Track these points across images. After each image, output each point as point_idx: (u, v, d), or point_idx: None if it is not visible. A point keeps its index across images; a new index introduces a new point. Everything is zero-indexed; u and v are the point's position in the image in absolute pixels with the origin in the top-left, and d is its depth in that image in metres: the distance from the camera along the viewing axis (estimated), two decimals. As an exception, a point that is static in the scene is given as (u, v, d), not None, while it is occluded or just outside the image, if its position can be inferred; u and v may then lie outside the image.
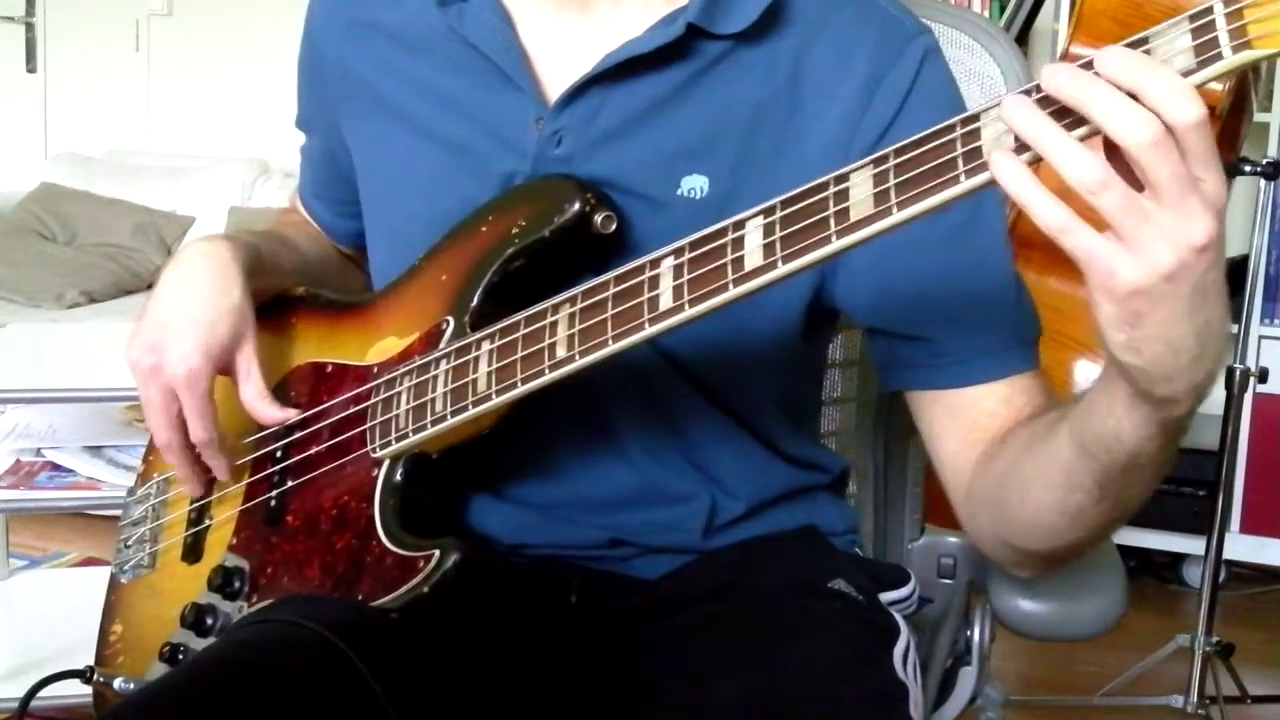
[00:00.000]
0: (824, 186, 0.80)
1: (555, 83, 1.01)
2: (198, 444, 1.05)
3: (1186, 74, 0.69)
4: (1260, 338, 2.83)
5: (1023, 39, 2.77)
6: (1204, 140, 0.69)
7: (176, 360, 1.03)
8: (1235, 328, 2.39)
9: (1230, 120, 2.25)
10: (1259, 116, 2.76)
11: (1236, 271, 2.46)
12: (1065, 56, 2.33)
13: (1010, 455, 0.92)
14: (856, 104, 0.98)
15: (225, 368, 1.05)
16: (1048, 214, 0.71)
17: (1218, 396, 2.39)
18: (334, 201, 1.22)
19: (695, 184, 0.99)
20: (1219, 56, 0.68)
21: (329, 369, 1.08)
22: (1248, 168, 2.12)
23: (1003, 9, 2.85)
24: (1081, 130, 0.71)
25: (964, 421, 0.98)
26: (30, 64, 4.49)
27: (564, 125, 1.00)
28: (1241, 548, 2.93)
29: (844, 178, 0.79)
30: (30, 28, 4.47)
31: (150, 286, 1.08)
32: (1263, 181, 2.30)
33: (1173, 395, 0.77)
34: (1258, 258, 2.43)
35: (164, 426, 1.04)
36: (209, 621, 1.05)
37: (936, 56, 1.01)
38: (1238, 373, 2.32)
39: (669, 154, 0.99)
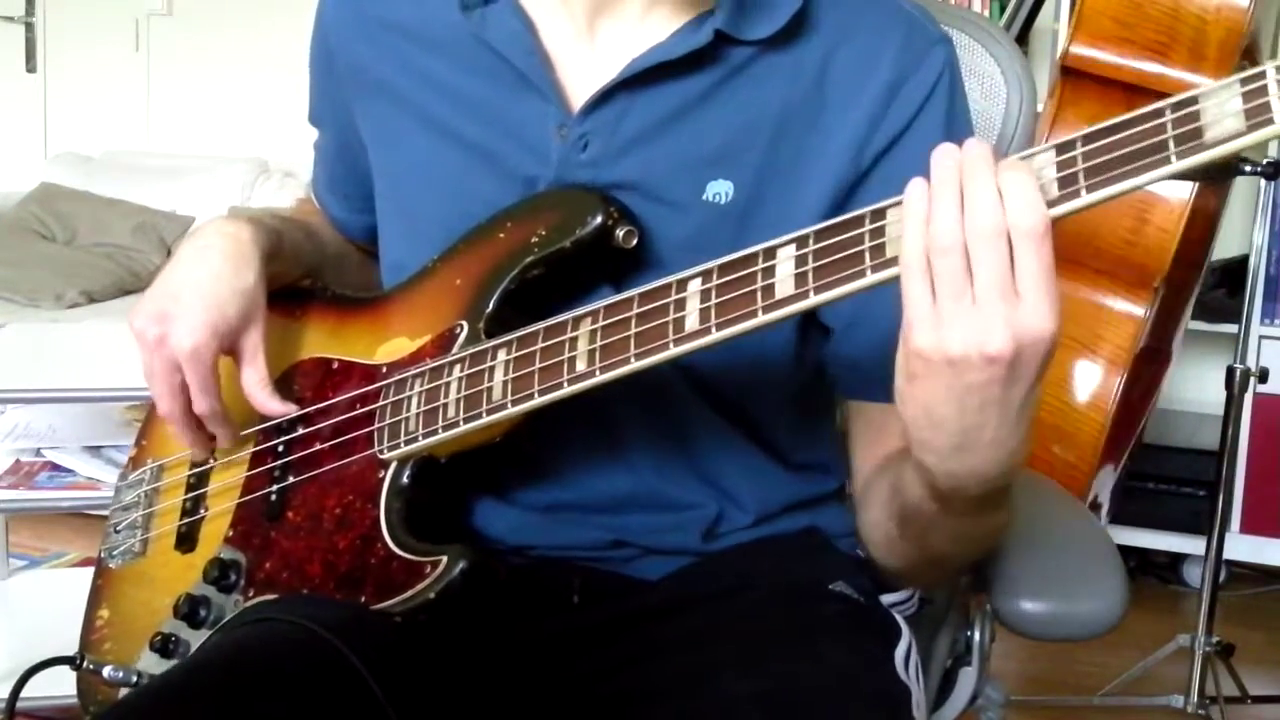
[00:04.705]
0: (860, 221, 0.81)
1: (577, 89, 1.01)
2: (201, 415, 1.05)
3: (1235, 137, 0.70)
4: (1260, 338, 2.83)
5: (1023, 39, 2.76)
6: (1035, 257, 0.74)
7: (182, 335, 1.02)
8: (1235, 328, 2.39)
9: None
10: (1259, 116, 2.76)
11: (1236, 271, 2.46)
12: (1065, 56, 2.33)
13: (882, 474, 0.99)
14: (876, 109, 0.99)
15: (231, 348, 1.05)
16: (911, 244, 0.77)
17: (1218, 396, 2.39)
18: (347, 197, 1.21)
19: (719, 189, 0.99)
20: (1269, 121, 0.69)
21: (335, 365, 1.08)
22: (1248, 168, 2.12)
23: (1003, 9, 2.85)
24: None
25: (873, 436, 1.03)
26: (30, 64, 4.48)
27: (589, 130, 1.00)
28: (1241, 548, 2.93)
29: (881, 214, 0.80)
30: (30, 28, 4.46)
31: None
32: (1263, 181, 2.30)
33: (928, 464, 0.84)
34: (1258, 258, 2.43)
35: (166, 396, 1.04)
36: (202, 613, 1.05)
37: (954, 68, 1.02)
38: (1238, 373, 2.32)
39: (694, 159, 0.99)
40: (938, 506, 0.89)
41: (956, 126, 1.01)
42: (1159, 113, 0.72)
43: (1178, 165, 0.71)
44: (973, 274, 0.75)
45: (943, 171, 0.76)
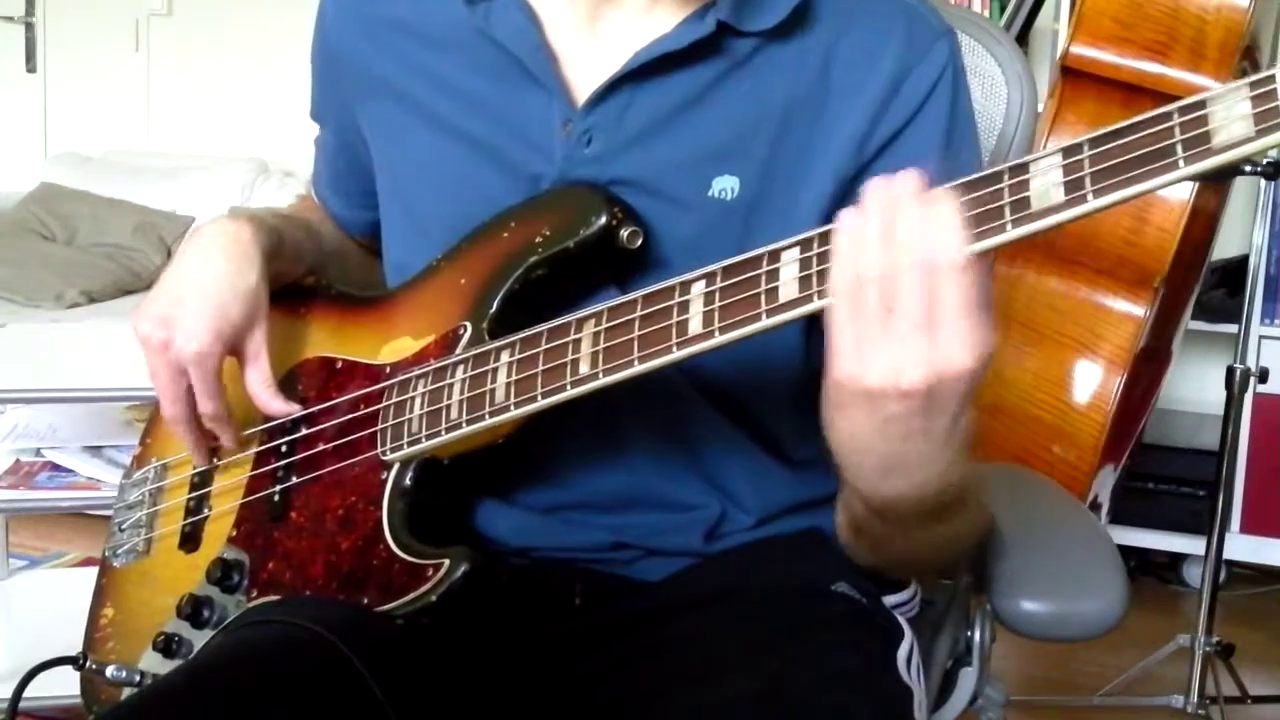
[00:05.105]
0: None
1: (582, 84, 1.01)
2: (206, 418, 1.05)
3: (1244, 142, 0.69)
4: (1260, 338, 2.83)
5: (1023, 39, 2.76)
6: (955, 290, 0.74)
7: (187, 337, 1.02)
8: (1235, 328, 2.39)
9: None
10: (1259, 116, 2.76)
11: (1236, 271, 2.46)
12: (1065, 56, 2.33)
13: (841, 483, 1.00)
14: (880, 102, 0.99)
15: (235, 349, 1.05)
16: (838, 272, 0.78)
17: (1218, 396, 2.39)
18: (349, 194, 1.21)
19: (726, 184, 0.99)
20: (1278, 126, 0.68)
21: (339, 365, 1.08)
22: (1248, 167, 2.12)
23: (1003, 9, 2.85)
24: None
25: None
26: (30, 64, 4.48)
27: (593, 124, 0.99)
28: (1241, 548, 2.93)
29: None
30: (30, 28, 4.46)
31: (150, 287, 1.08)
32: (1263, 181, 2.30)
33: (855, 484, 0.88)
34: (1258, 258, 2.43)
35: (170, 400, 1.04)
36: (206, 614, 1.05)
37: (957, 61, 1.02)
38: (1238, 373, 2.32)
39: (699, 154, 0.99)
40: (878, 520, 0.91)
41: (959, 120, 1.01)
42: (1166, 116, 0.72)
43: (1185, 170, 0.71)
44: (893, 306, 0.75)
45: (873, 202, 0.77)
